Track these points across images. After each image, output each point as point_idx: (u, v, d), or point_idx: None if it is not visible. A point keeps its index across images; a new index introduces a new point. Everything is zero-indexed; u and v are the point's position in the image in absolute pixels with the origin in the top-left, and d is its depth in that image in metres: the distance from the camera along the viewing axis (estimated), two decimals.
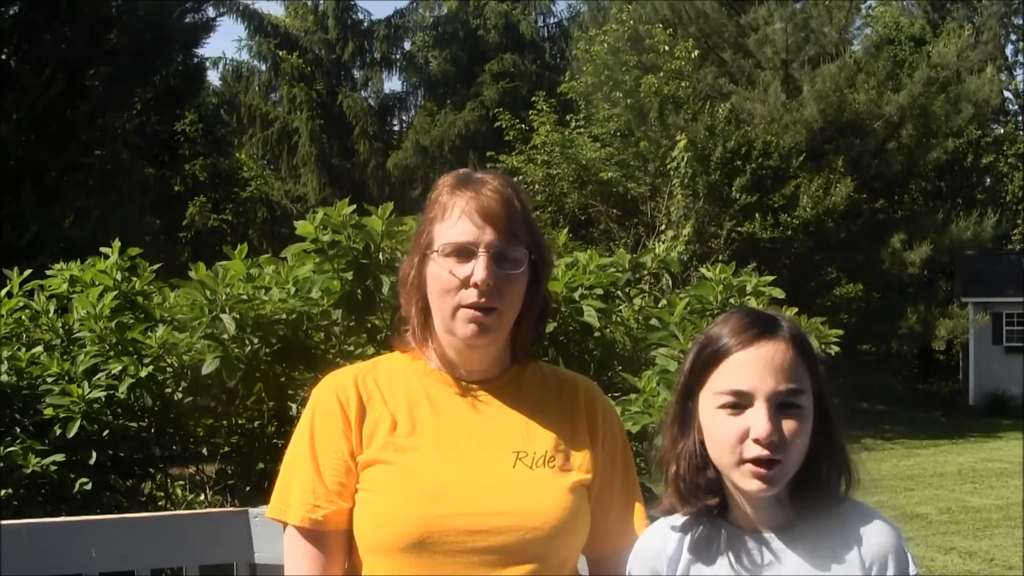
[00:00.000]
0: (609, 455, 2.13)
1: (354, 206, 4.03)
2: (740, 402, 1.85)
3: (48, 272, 4.66)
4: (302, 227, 3.99)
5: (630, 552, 2.06)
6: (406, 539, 1.93)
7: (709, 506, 1.92)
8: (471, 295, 1.98)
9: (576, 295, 4.13)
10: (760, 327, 1.89)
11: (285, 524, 2.04)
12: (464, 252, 2.00)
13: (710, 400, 1.89)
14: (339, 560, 2.03)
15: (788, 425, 1.83)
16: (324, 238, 3.95)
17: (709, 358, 1.90)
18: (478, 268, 1.98)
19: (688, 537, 1.96)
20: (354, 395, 2.06)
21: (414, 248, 2.09)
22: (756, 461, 1.83)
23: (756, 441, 1.82)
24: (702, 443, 1.91)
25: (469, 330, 2.00)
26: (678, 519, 1.98)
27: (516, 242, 2.02)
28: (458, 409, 2.07)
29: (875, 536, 1.88)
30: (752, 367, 1.85)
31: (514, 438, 2.05)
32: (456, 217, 2.01)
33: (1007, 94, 39.59)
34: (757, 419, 1.83)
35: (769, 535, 1.90)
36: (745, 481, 1.85)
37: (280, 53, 35.41)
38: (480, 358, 2.07)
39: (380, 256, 3.95)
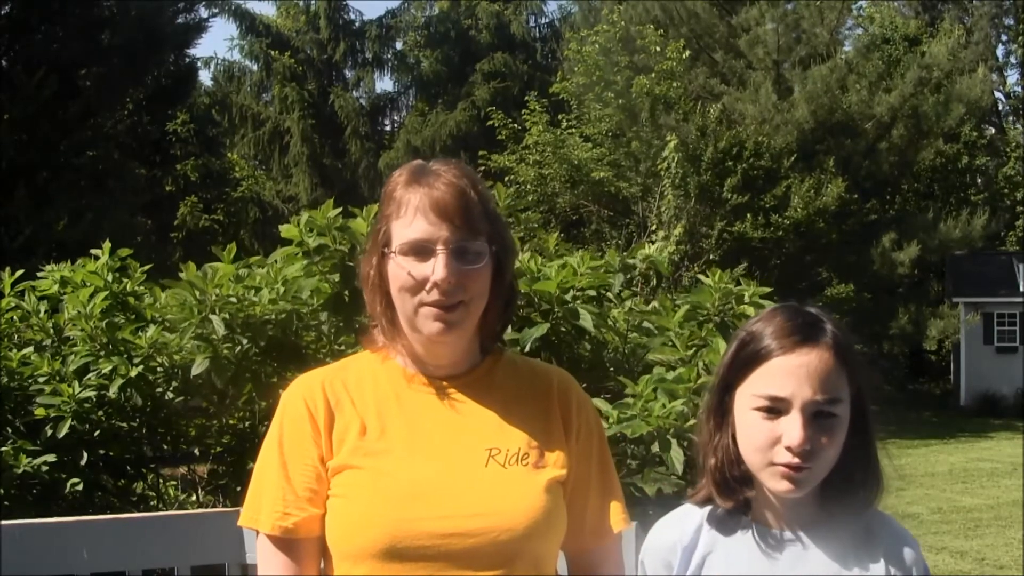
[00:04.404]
0: (584, 448, 2.07)
1: (340, 208, 4.02)
2: (776, 407, 1.84)
3: (39, 274, 4.66)
4: (287, 231, 3.98)
5: (610, 547, 2.05)
6: (378, 544, 1.90)
7: (747, 499, 1.93)
8: (433, 294, 1.93)
9: (568, 296, 4.11)
10: (803, 333, 1.87)
11: (258, 532, 2.01)
12: (422, 250, 1.94)
13: (746, 400, 1.88)
14: (312, 567, 2.00)
15: (821, 434, 1.83)
16: (310, 241, 3.95)
17: (749, 357, 1.89)
18: (437, 267, 1.92)
19: (708, 523, 1.96)
20: (322, 400, 2.02)
21: (372, 246, 2.03)
22: (786, 466, 1.83)
23: (788, 449, 1.82)
24: (735, 438, 1.91)
25: (435, 328, 1.95)
26: (699, 507, 1.98)
27: (475, 235, 1.96)
28: (428, 408, 2.03)
29: (902, 550, 1.90)
30: (791, 374, 1.84)
31: (486, 435, 2.01)
32: (412, 214, 1.95)
33: (998, 95, 39.69)
34: (791, 427, 1.82)
35: (795, 532, 1.91)
36: (774, 482, 1.86)
37: (272, 53, 35.35)
38: (448, 353, 2.02)
39: None
